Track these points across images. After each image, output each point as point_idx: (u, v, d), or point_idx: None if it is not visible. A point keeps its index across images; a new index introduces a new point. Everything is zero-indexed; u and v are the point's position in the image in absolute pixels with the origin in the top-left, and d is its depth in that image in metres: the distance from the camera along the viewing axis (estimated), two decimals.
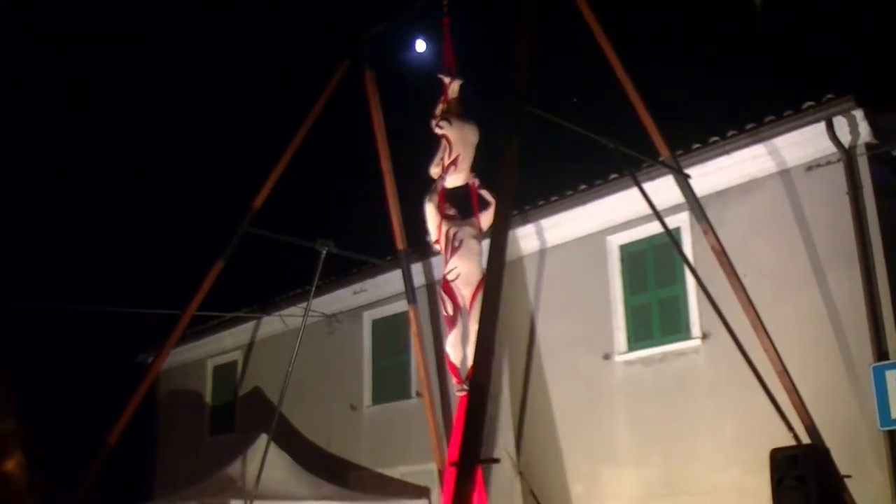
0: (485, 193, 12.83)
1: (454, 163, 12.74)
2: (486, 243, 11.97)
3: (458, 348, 12.43)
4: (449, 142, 12.80)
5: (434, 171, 12.88)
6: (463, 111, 13.12)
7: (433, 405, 14.60)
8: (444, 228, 12.62)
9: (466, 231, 12.62)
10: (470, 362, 11.42)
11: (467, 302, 12.43)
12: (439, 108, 13.10)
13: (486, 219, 12.46)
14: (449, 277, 12.47)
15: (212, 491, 14.35)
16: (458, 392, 12.27)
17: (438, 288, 13.10)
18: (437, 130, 12.84)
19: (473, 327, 11.75)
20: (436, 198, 12.84)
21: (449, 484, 11.46)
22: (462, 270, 12.42)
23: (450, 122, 12.81)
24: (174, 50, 31.67)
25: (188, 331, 16.96)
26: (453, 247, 12.45)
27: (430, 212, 12.83)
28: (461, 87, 13.26)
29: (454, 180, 12.87)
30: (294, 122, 14.15)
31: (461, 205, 13.10)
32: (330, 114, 14.19)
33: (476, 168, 12.98)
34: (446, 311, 12.53)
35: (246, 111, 33.58)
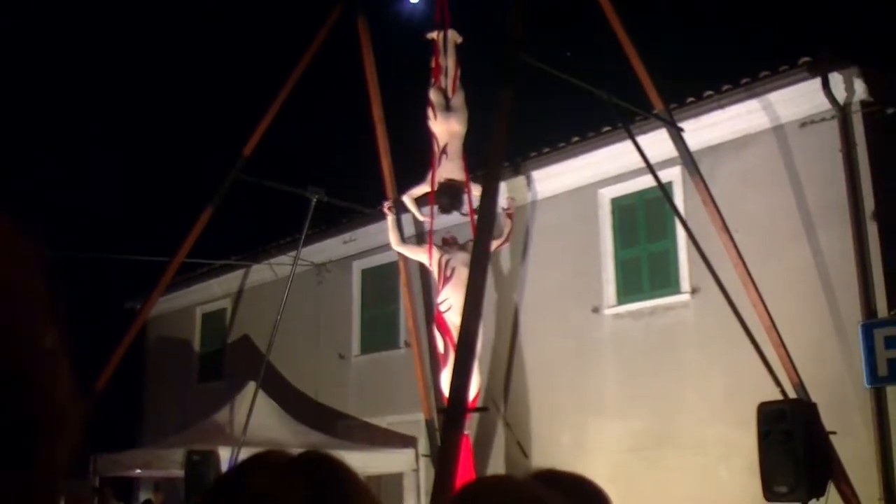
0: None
1: (444, 152, 12.52)
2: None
3: None
4: (435, 136, 12.60)
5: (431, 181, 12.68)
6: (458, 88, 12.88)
7: (421, 355, 14.61)
8: (436, 255, 12.24)
9: (460, 259, 12.17)
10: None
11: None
12: (434, 63, 12.94)
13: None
14: (441, 309, 12.04)
15: (200, 438, 14.39)
16: None
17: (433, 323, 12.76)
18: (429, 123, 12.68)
19: None
20: (396, 234, 12.66)
21: None
22: (453, 302, 11.89)
23: (434, 116, 12.57)
24: None
25: (177, 278, 16.92)
26: (445, 276, 12.01)
27: (406, 250, 12.67)
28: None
29: (448, 170, 12.57)
30: (285, 68, 14.04)
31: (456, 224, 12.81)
32: (322, 61, 14.08)
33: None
34: (438, 349, 12.14)
35: (237, 57, 33.38)
